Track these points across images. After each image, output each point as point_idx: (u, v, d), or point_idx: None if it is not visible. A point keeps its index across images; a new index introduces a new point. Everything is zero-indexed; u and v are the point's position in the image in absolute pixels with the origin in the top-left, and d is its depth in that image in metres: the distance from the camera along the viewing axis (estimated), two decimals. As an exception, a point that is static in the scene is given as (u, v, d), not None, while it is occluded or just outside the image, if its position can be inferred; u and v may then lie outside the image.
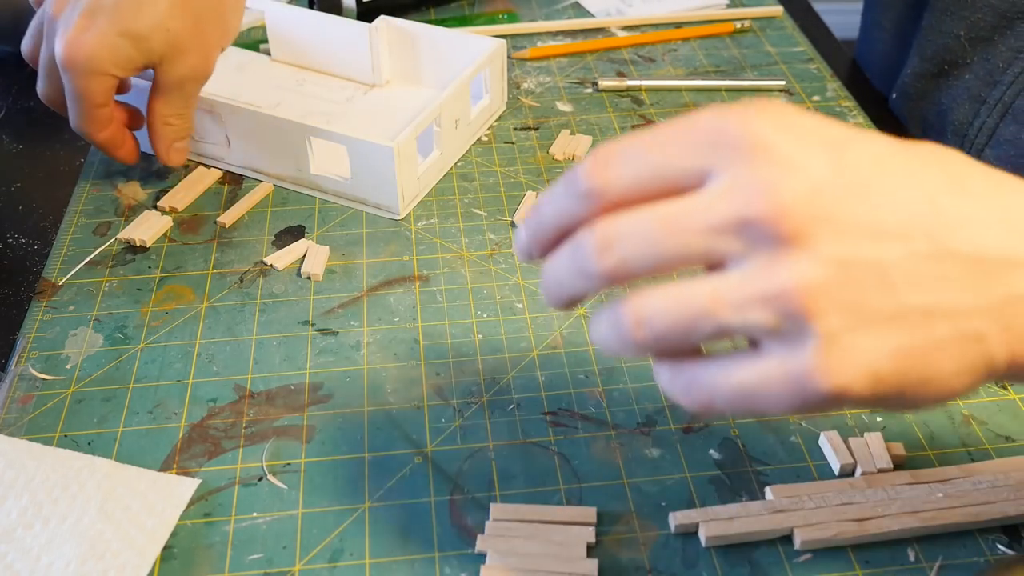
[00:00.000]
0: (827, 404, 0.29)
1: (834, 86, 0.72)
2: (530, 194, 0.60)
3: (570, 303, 0.33)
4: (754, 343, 0.31)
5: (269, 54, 0.73)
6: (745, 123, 0.29)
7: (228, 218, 0.58)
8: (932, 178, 0.30)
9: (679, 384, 0.32)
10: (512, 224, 0.58)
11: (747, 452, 0.45)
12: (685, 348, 0.31)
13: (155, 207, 0.59)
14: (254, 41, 0.76)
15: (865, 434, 0.45)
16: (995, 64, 0.62)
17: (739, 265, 0.29)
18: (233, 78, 0.70)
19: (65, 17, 0.53)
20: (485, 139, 0.66)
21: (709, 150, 0.30)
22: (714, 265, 0.30)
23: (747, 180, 0.29)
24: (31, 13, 0.57)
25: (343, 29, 0.68)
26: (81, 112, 0.54)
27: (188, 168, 0.63)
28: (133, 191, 0.61)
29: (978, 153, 0.64)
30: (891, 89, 0.72)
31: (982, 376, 0.30)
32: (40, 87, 0.56)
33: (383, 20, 0.67)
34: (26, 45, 0.58)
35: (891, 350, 0.29)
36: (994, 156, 0.63)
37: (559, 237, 0.32)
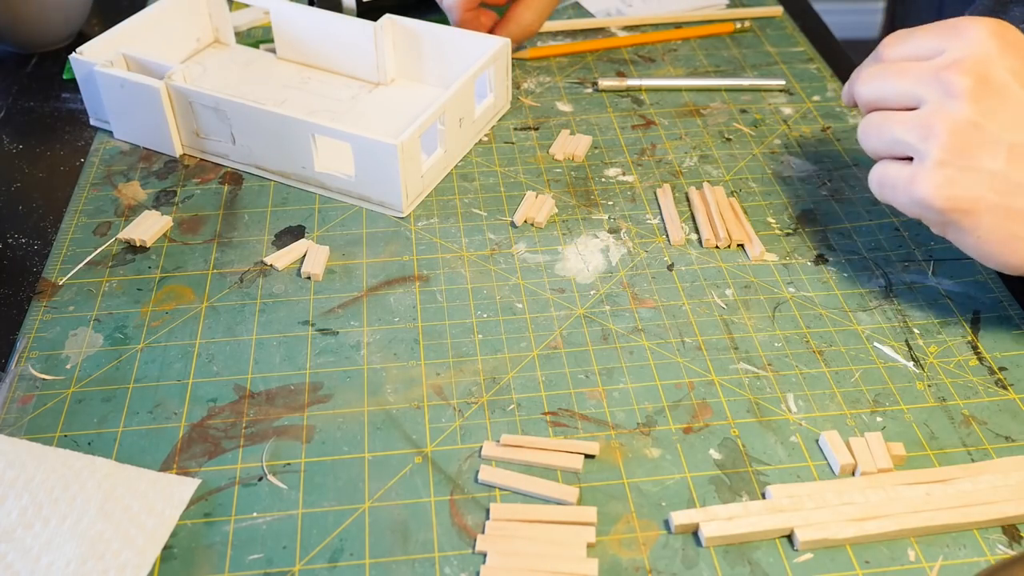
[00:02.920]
0: (915, 207, 0.47)
1: (834, 86, 0.72)
2: (530, 194, 0.60)
3: (849, 102, 0.52)
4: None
5: (273, 52, 0.73)
6: (975, 24, 0.45)
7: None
8: None
9: (875, 174, 0.49)
10: (512, 224, 0.58)
11: (747, 452, 0.45)
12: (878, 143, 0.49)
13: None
14: (255, 41, 0.76)
15: (865, 434, 0.45)
16: None
17: (924, 104, 0.46)
18: (239, 76, 0.70)
19: None
20: (485, 139, 0.66)
21: (948, 38, 0.46)
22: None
23: (955, 53, 0.45)
24: (31, 13, 0.57)
25: (348, 27, 0.68)
26: None
27: (190, 165, 0.63)
28: (133, 191, 0.61)
29: None
30: None
31: None
32: None
33: (388, 19, 0.67)
34: None
35: (977, 193, 0.45)
36: None
37: None
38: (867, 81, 0.49)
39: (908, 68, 0.47)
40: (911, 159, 0.47)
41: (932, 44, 0.47)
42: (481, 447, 0.45)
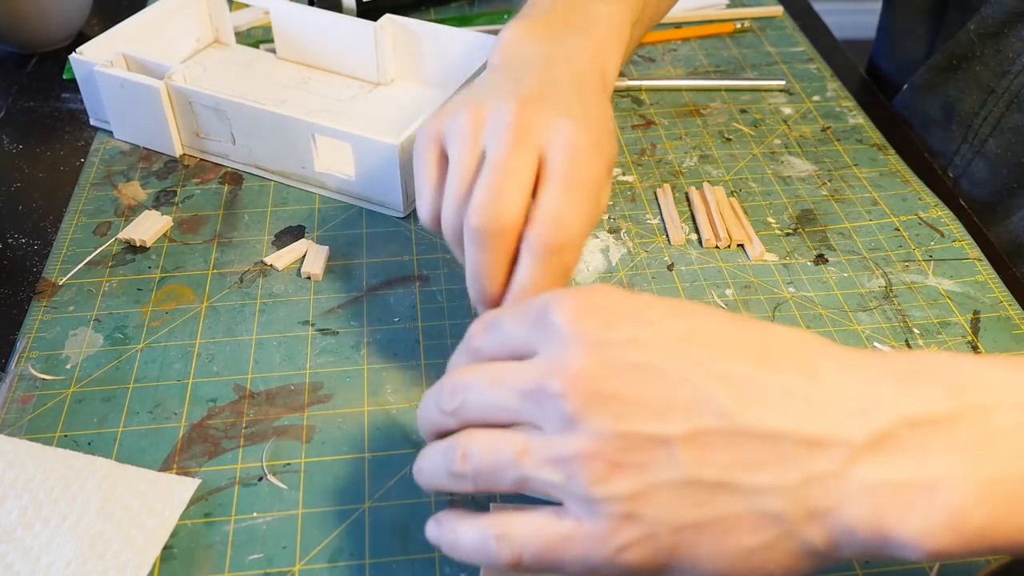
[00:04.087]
0: (617, 571, 0.32)
1: (834, 86, 0.72)
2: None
3: (430, 436, 0.37)
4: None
5: (273, 52, 0.73)
6: (556, 307, 0.33)
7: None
8: (740, 357, 0.32)
9: (489, 536, 0.34)
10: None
11: (747, 452, 0.45)
12: (499, 489, 0.34)
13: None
14: (254, 41, 0.76)
15: (865, 434, 0.45)
16: (1005, 55, 0.62)
17: (543, 427, 0.33)
18: (239, 75, 0.70)
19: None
20: (485, 139, 0.66)
21: (536, 329, 0.34)
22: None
23: (549, 357, 0.33)
24: (31, 13, 0.56)
25: (348, 27, 0.68)
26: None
27: (191, 166, 0.63)
28: (133, 191, 0.61)
29: (981, 143, 0.65)
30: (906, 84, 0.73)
31: (804, 559, 0.31)
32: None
33: (388, 19, 0.67)
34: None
35: (676, 522, 0.31)
36: (996, 145, 0.64)
37: None
38: (463, 390, 0.35)
39: (504, 375, 0.34)
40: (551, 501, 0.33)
41: (521, 335, 0.35)
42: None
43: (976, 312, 0.52)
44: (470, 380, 0.35)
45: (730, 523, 0.31)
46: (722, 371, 0.31)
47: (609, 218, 0.59)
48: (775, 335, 0.33)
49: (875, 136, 0.66)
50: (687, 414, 0.31)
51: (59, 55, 0.76)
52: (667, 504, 0.31)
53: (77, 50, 0.64)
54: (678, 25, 0.80)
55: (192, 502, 0.42)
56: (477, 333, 0.37)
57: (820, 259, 0.56)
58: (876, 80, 0.80)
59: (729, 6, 0.83)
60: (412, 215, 0.59)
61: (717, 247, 0.57)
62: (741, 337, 0.33)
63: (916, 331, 0.51)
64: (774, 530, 0.30)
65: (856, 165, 0.64)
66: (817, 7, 0.86)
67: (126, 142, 0.66)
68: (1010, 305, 0.53)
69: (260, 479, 0.44)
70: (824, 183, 0.62)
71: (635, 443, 0.31)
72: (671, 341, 0.32)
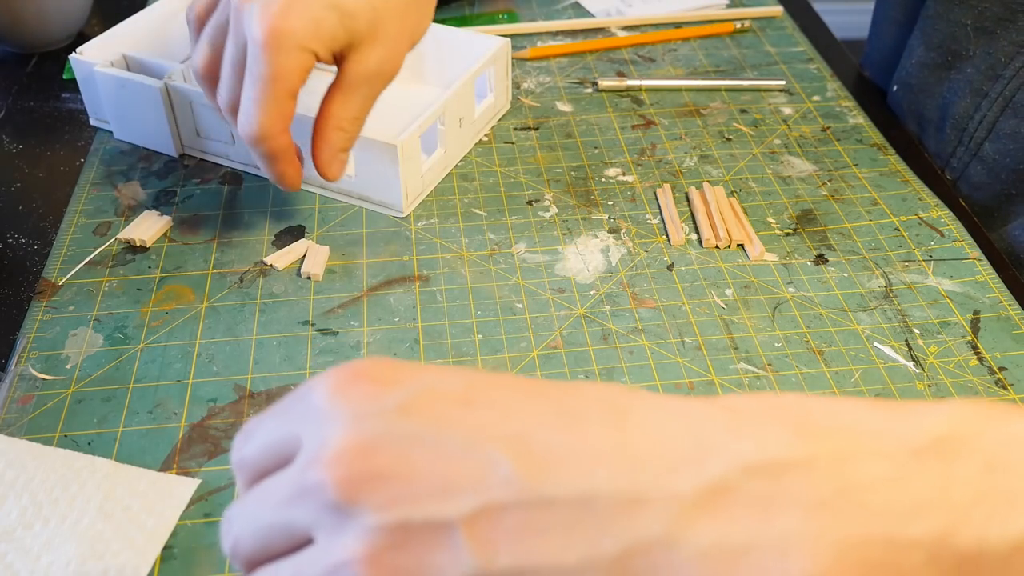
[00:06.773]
0: None
1: (834, 86, 0.72)
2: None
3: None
4: None
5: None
6: (316, 385, 0.28)
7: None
8: (530, 413, 0.26)
9: None
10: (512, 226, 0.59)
11: (747, 452, 0.45)
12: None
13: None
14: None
15: (865, 434, 0.45)
16: (997, 58, 0.62)
17: (317, 532, 0.26)
18: (233, 78, 0.70)
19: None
20: (485, 139, 0.66)
21: (298, 418, 0.28)
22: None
23: (308, 444, 0.27)
24: (31, 13, 0.57)
25: (343, 29, 0.68)
26: (269, 101, 0.47)
27: (189, 165, 0.63)
28: (133, 191, 0.61)
29: (977, 147, 0.64)
30: (892, 82, 0.72)
31: None
32: (224, 93, 0.50)
33: (383, 20, 0.67)
34: (201, 56, 0.51)
35: None
36: (993, 150, 0.63)
37: None
38: (233, 523, 0.29)
39: (268, 490, 0.28)
40: None
41: (284, 430, 0.29)
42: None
43: (976, 312, 0.52)
44: (235, 511, 0.29)
45: None
46: (508, 432, 0.26)
47: (609, 218, 0.59)
48: (574, 385, 0.28)
49: (875, 136, 0.66)
50: (469, 489, 0.25)
51: (59, 55, 0.76)
52: None
53: (77, 50, 0.64)
54: (678, 25, 0.80)
55: (192, 502, 0.42)
56: (239, 444, 0.30)
57: (820, 259, 0.56)
58: (865, 81, 0.80)
59: (729, 6, 0.83)
60: (412, 215, 0.59)
61: (717, 247, 0.57)
62: (530, 391, 0.27)
63: (916, 331, 0.51)
64: None
65: (856, 165, 0.64)
66: (817, 7, 0.86)
67: (126, 142, 0.66)
68: (1010, 305, 0.53)
69: (260, 479, 0.44)
70: (824, 183, 0.62)
71: (413, 535, 0.25)
72: (449, 404, 0.27)
